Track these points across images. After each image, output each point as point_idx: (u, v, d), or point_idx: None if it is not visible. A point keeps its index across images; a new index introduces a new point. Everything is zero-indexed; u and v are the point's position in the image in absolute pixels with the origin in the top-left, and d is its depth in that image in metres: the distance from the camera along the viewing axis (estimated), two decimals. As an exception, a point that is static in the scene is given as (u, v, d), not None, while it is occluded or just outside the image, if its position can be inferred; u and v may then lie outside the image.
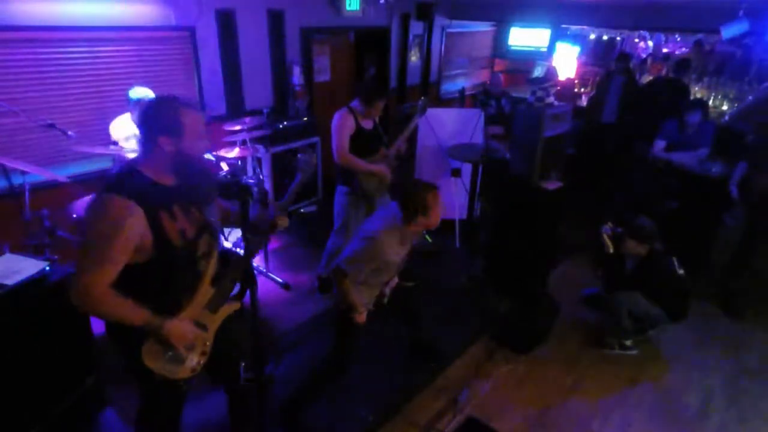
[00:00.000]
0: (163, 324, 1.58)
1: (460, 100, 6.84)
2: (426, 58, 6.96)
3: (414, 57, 6.82)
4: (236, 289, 3.43)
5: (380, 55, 6.40)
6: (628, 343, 3.29)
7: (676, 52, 7.19)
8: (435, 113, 4.12)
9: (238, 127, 4.01)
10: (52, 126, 3.25)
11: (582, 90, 7.49)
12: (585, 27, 7.47)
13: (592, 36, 8.07)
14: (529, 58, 7.97)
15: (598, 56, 7.99)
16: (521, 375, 3.09)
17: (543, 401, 2.89)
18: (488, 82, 6.12)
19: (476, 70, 8.37)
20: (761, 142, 3.77)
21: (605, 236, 3.33)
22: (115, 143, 3.39)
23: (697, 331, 3.54)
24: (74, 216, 3.07)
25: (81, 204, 3.19)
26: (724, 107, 6.01)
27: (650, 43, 7.67)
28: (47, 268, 2.34)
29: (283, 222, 2.01)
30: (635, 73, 6.53)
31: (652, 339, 3.42)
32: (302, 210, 5.18)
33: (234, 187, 1.64)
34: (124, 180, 1.51)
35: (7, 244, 2.55)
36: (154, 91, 3.69)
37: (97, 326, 3.19)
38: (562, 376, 3.10)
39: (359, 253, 2.27)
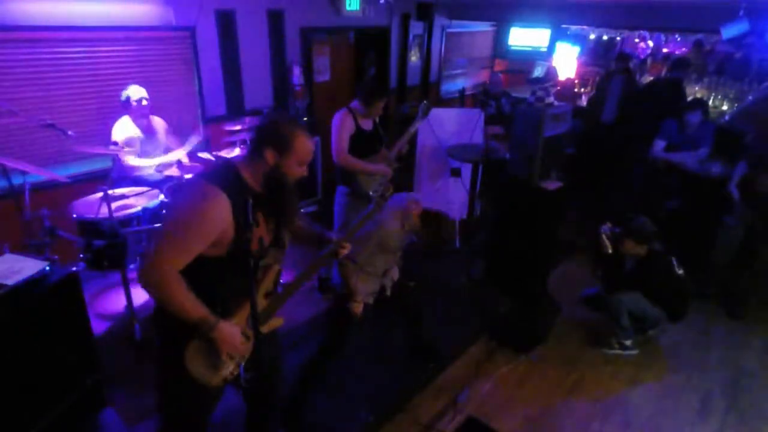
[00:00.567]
0: (217, 325, 1.55)
1: (460, 100, 6.84)
2: (426, 58, 6.96)
3: (414, 57, 6.82)
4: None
5: (380, 55, 6.40)
6: (628, 343, 3.29)
7: (676, 52, 7.18)
8: (435, 113, 4.12)
9: (238, 127, 4.01)
10: (52, 126, 3.25)
11: (582, 90, 7.49)
12: (585, 27, 7.47)
13: (592, 36, 8.07)
14: (529, 58, 7.97)
15: (598, 56, 7.99)
16: (521, 375, 3.09)
17: (543, 401, 2.89)
18: (488, 82, 6.12)
19: (476, 70, 8.37)
20: (761, 142, 3.77)
21: (604, 236, 3.33)
22: (115, 143, 3.40)
23: (697, 331, 3.55)
24: (74, 216, 3.07)
25: (81, 204, 3.19)
26: (724, 107, 6.01)
27: (650, 43, 7.67)
28: (47, 268, 2.34)
29: (343, 248, 1.97)
30: (635, 73, 6.53)
31: (652, 339, 3.42)
32: (302, 210, 5.18)
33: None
34: (221, 173, 1.54)
35: (7, 244, 2.55)
36: (154, 91, 3.71)
37: (98, 326, 3.20)
38: (562, 376, 3.10)
39: (364, 235, 2.32)
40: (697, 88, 6.30)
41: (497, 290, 3.85)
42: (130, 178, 3.54)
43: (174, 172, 3.44)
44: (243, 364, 1.75)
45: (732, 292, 3.85)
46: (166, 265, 1.44)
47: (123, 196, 3.29)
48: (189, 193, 1.51)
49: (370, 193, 3.45)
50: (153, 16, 3.99)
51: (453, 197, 4.70)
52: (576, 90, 7.47)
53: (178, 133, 3.91)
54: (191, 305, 1.50)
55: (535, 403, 2.87)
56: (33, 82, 3.52)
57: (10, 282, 2.19)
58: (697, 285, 3.47)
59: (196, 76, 4.42)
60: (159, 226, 1.47)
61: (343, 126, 3.25)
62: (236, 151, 3.91)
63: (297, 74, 5.17)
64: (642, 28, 6.92)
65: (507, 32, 7.97)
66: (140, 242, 3.07)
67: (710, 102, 5.96)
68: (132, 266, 3.06)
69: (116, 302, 3.57)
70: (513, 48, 8.04)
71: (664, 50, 7.38)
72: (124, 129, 3.48)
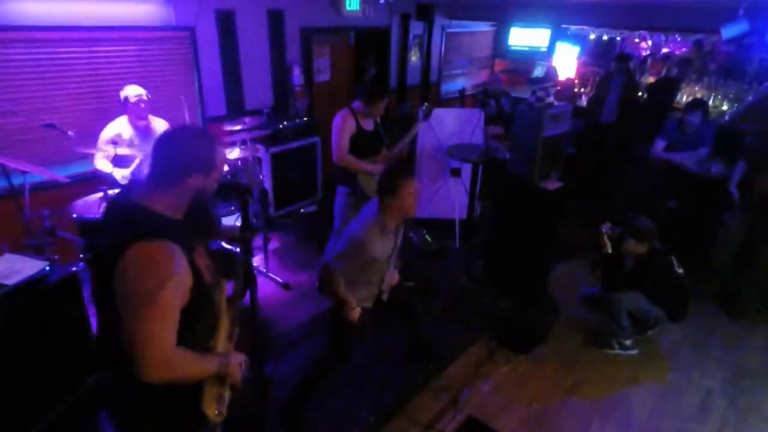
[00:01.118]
0: (230, 359, 1.50)
1: (460, 100, 6.84)
2: (426, 58, 6.96)
3: (414, 57, 6.82)
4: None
5: (380, 55, 6.40)
6: (628, 343, 3.29)
7: (676, 52, 7.18)
8: (435, 113, 4.11)
9: (238, 127, 4.01)
10: (52, 126, 3.25)
11: (582, 90, 7.49)
12: (585, 27, 7.47)
13: (592, 36, 8.06)
14: (529, 58, 7.98)
15: (598, 56, 7.97)
16: (521, 375, 3.09)
17: (543, 401, 2.89)
18: (488, 81, 6.12)
19: (476, 70, 8.37)
20: (761, 142, 3.77)
21: (605, 236, 3.33)
22: (111, 142, 3.36)
23: (697, 331, 3.54)
24: (74, 216, 3.07)
25: (81, 204, 3.19)
26: (724, 107, 6.00)
27: (650, 43, 7.66)
28: (47, 268, 2.35)
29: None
30: (635, 73, 6.53)
31: (652, 339, 3.42)
32: (302, 210, 5.18)
33: (234, 187, 1.64)
34: (144, 223, 1.32)
35: (7, 244, 2.55)
36: (154, 91, 3.70)
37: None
38: (562, 376, 3.10)
39: (344, 251, 2.31)
40: (697, 88, 6.30)
41: (497, 290, 3.85)
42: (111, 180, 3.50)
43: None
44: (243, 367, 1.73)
45: (732, 292, 3.84)
46: (166, 352, 1.28)
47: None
48: (140, 262, 1.25)
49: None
50: (153, 16, 3.99)
51: (453, 197, 4.70)
52: (576, 90, 7.47)
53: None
54: (205, 362, 1.43)
55: (535, 403, 2.87)
56: (33, 82, 3.52)
57: (10, 282, 2.20)
58: (697, 285, 3.47)
59: (196, 76, 4.42)
60: (128, 315, 1.27)
61: (344, 126, 3.25)
62: (236, 152, 3.90)
63: (297, 74, 5.17)
64: (642, 28, 6.91)
65: (507, 32, 7.98)
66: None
67: (710, 102, 5.95)
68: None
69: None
70: (513, 48, 8.05)
71: (664, 50, 7.37)
72: (114, 127, 3.41)
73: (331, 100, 5.78)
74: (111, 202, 1.44)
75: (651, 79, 6.62)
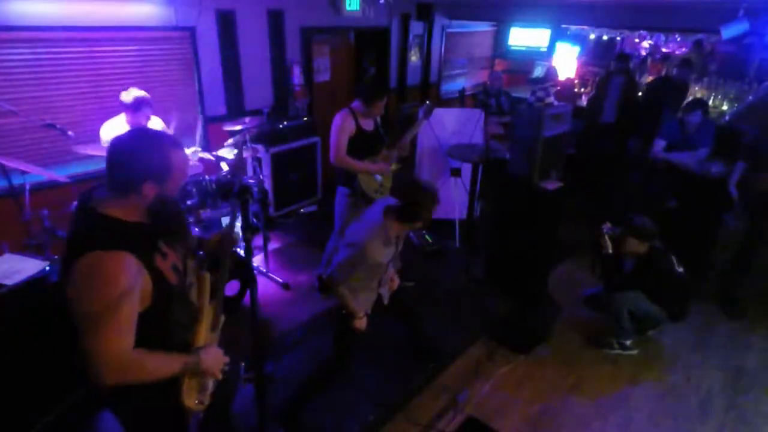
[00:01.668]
0: (199, 357, 1.51)
1: (460, 100, 6.84)
2: (426, 58, 6.97)
3: (414, 57, 6.82)
4: (237, 290, 3.44)
5: (380, 55, 6.40)
6: (628, 343, 3.29)
7: (676, 52, 7.18)
8: (435, 113, 4.11)
9: (238, 127, 4.01)
10: (51, 126, 3.25)
11: (582, 90, 7.49)
12: (585, 27, 7.47)
13: (592, 36, 8.07)
14: (529, 58, 7.98)
15: (598, 56, 7.98)
16: (521, 375, 3.09)
17: (543, 401, 2.89)
18: (488, 81, 6.12)
19: (476, 70, 8.38)
20: (761, 142, 3.77)
21: (605, 236, 3.33)
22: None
23: (697, 331, 3.55)
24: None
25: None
26: (724, 107, 6.01)
27: (650, 43, 7.67)
28: (47, 268, 2.35)
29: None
30: (635, 73, 6.53)
31: (652, 339, 3.42)
32: (302, 210, 5.18)
33: (234, 187, 1.63)
34: (101, 229, 1.32)
35: (7, 244, 2.55)
36: (153, 92, 3.70)
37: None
38: (562, 376, 3.10)
39: (347, 259, 2.30)
40: (697, 88, 6.30)
41: (497, 290, 3.85)
42: None
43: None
44: (243, 363, 1.75)
45: (732, 292, 3.85)
46: (119, 357, 1.30)
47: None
48: (89, 272, 1.26)
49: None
50: (153, 16, 3.99)
51: (453, 197, 4.70)
52: (576, 90, 7.47)
53: (178, 133, 3.91)
54: (169, 362, 1.44)
55: (535, 403, 2.87)
56: (33, 82, 3.52)
57: (10, 282, 2.20)
58: (697, 285, 3.47)
59: (196, 76, 4.42)
60: (80, 324, 1.28)
61: (343, 127, 3.24)
62: (236, 152, 3.90)
63: (297, 74, 5.18)
64: (642, 28, 6.92)
65: (507, 32, 7.98)
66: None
67: (710, 102, 5.96)
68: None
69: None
70: (513, 48, 8.06)
71: (664, 50, 7.38)
72: (112, 129, 3.41)
73: (331, 100, 5.79)
74: (74, 210, 1.42)
75: (650, 79, 6.63)
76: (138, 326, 1.36)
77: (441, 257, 4.43)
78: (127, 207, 1.37)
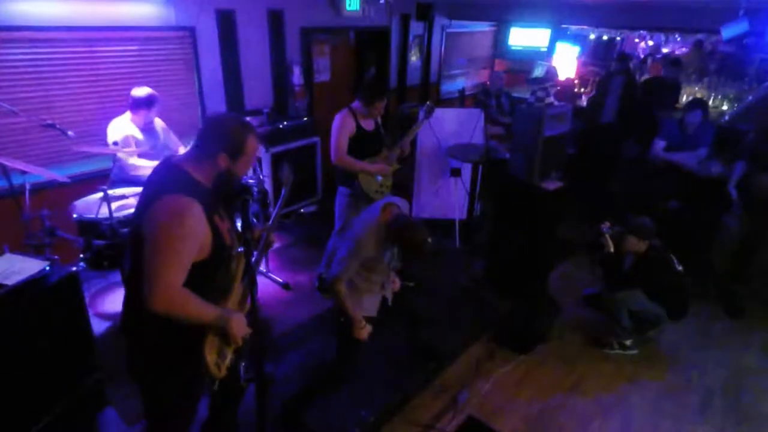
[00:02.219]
0: (231, 317, 1.63)
1: (460, 100, 6.85)
2: (426, 58, 6.96)
3: (414, 57, 6.82)
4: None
5: (380, 55, 6.40)
6: (628, 343, 3.30)
7: (676, 52, 7.19)
8: (435, 113, 4.14)
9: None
10: (52, 126, 3.25)
11: (582, 90, 7.49)
12: (585, 27, 7.47)
13: (592, 36, 8.07)
14: (529, 58, 7.98)
15: (598, 56, 7.99)
16: (521, 375, 3.09)
17: (543, 401, 2.89)
18: (488, 81, 6.12)
19: (476, 70, 8.37)
20: (761, 142, 3.77)
21: (605, 235, 3.33)
22: (116, 143, 3.39)
23: (697, 331, 3.55)
24: (74, 216, 3.07)
25: (81, 204, 3.18)
26: (724, 107, 6.01)
27: (650, 43, 7.67)
28: (47, 268, 2.34)
29: (271, 240, 2.07)
30: (635, 73, 6.53)
31: (652, 339, 3.42)
32: (302, 210, 5.18)
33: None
34: (181, 182, 1.55)
35: (7, 244, 2.55)
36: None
37: (98, 326, 3.19)
38: (562, 376, 3.10)
39: (345, 255, 2.31)
40: (697, 88, 6.30)
41: (497, 290, 3.85)
42: (129, 178, 3.53)
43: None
44: (243, 363, 1.77)
45: (731, 292, 3.85)
46: (172, 286, 1.47)
47: (123, 196, 3.29)
48: (166, 210, 1.49)
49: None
50: (153, 16, 3.99)
51: (453, 197, 4.70)
52: (576, 90, 7.48)
53: (178, 133, 3.91)
54: (205, 310, 1.58)
55: (535, 403, 2.87)
56: (33, 82, 3.51)
57: (10, 282, 2.20)
58: (697, 285, 3.47)
59: (196, 76, 4.42)
60: (147, 251, 1.48)
61: (343, 126, 3.24)
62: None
63: (297, 74, 5.17)
64: (642, 28, 6.92)
65: (507, 32, 7.98)
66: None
67: (710, 102, 5.96)
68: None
69: (116, 302, 3.57)
70: (513, 48, 8.05)
71: (664, 50, 7.38)
72: (121, 128, 3.44)
73: (331, 100, 5.78)
74: (157, 165, 1.65)
75: (643, 80, 6.63)
76: (192, 274, 1.53)
77: (441, 257, 4.42)
78: (202, 171, 1.59)
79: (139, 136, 3.50)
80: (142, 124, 3.51)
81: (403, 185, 4.51)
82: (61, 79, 3.64)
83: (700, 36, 6.64)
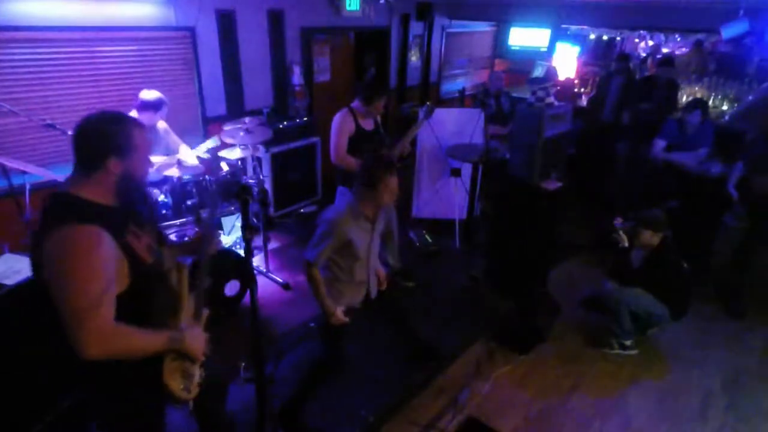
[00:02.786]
0: (184, 335, 1.51)
1: (460, 100, 6.85)
2: (426, 58, 6.96)
3: (414, 57, 6.82)
4: (236, 290, 3.43)
5: (380, 55, 6.40)
6: (628, 343, 3.29)
7: (676, 52, 7.18)
8: (435, 113, 4.14)
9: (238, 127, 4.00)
10: (52, 126, 3.25)
11: (582, 90, 7.49)
12: (585, 27, 7.47)
13: (592, 36, 8.07)
14: (529, 58, 7.98)
15: (598, 56, 7.98)
16: (521, 375, 3.09)
17: (543, 401, 2.89)
18: (488, 81, 6.12)
19: (476, 70, 8.37)
20: (760, 142, 3.77)
21: (620, 231, 3.33)
22: None
23: (697, 331, 3.54)
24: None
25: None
26: (724, 107, 6.00)
27: (650, 43, 7.67)
28: (47, 268, 2.34)
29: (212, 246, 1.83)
30: (635, 73, 6.53)
31: (652, 339, 3.42)
32: (302, 210, 5.18)
33: (234, 186, 1.64)
34: (71, 208, 1.36)
35: (7, 244, 2.55)
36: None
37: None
38: (562, 376, 3.10)
39: (318, 236, 2.33)
40: (697, 88, 6.30)
41: (497, 290, 3.85)
42: None
43: (174, 172, 3.43)
44: (243, 365, 1.75)
45: (732, 292, 3.84)
46: (102, 330, 1.31)
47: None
48: (63, 246, 1.30)
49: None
50: (153, 16, 3.99)
51: (453, 197, 4.71)
52: (576, 90, 7.48)
53: (179, 133, 3.92)
54: (152, 339, 1.44)
55: (535, 403, 2.87)
56: (33, 82, 3.51)
57: (10, 282, 2.20)
58: (697, 285, 3.47)
59: (196, 76, 4.42)
60: (58, 298, 1.32)
61: (342, 126, 3.25)
62: (236, 151, 3.91)
63: (297, 74, 5.17)
64: (642, 28, 6.92)
65: (507, 32, 7.97)
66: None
67: (710, 102, 5.95)
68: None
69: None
70: (513, 48, 8.04)
71: (664, 50, 7.38)
72: None
73: (331, 100, 5.78)
74: (49, 195, 1.44)
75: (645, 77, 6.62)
76: (120, 308, 1.37)
77: (441, 257, 4.42)
78: (95, 186, 1.41)
79: None
80: (146, 125, 3.51)
81: (403, 185, 4.50)
82: (61, 79, 3.64)
83: (700, 36, 6.64)
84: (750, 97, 5.34)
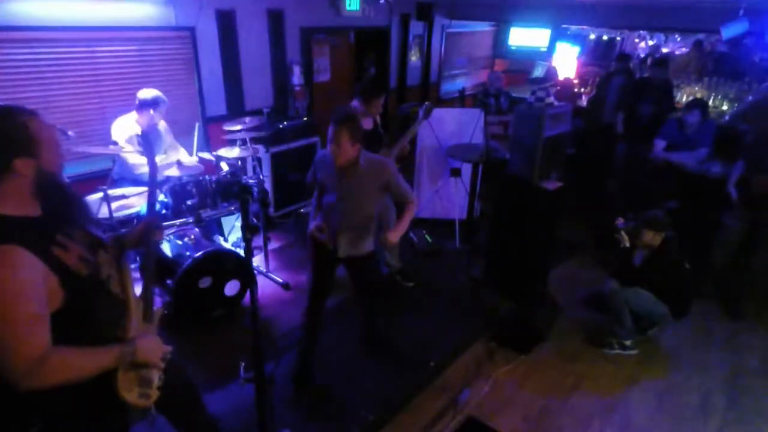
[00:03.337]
0: (135, 346, 1.41)
1: (460, 100, 6.85)
2: (426, 58, 6.97)
3: (414, 57, 6.82)
4: (236, 290, 3.43)
5: (380, 55, 6.41)
6: (628, 343, 3.29)
7: (676, 52, 7.19)
8: (435, 113, 4.14)
9: (238, 127, 4.01)
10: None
11: (582, 90, 7.50)
12: (585, 27, 7.47)
13: (592, 36, 8.07)
14: (529, 58, 7.98)
15: (598, 56, 7.99)
16: (521, 375, 3.09)
17: (543, 401, 2.89)
18: (488, 81, 6.12)
19: (476, 70, 8.38)
20: (760, 142, 3.76)
21: (622, 231, 3.33)
22: (115, 143, 3.39)
23: (697, 331, 3.54)
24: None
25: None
26: (724, 107, 6.00)
27: (650, 43, 7.67)
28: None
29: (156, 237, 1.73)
30: (635, 73, 6.53)
31: (652, 339, 3.42)
32: (302, 210, 5.18)
33: (234, 186, 1.63)
34: None
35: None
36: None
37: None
38: (562, 376, 3.09)
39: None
40: (696, 88, 6.30)
41: (497, 290, 3.85)
42: (132, 176, 3.54)
43: (174, 172, 3.44)
44: (243, 365, 1.75)
45: (731, 292, 3.84)
46: (37, 358, 1.19)
47: (123, 196, 3.29)
48: None
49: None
50: (153, 16, 3.99)
51: (453, 197, 4.70)
52: (576, 90, 7.48)
53: (178, 133, 3.92)
54: (98, 357, 1.33)
55: (535, 403, 2.87)
56: (33, 82, 3.52)
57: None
58: (697, 285, 3.47)
59: (196, 76, 4.42)
60: None
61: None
62: (236, 151, 3.91)
63: (297, 74, 5.18)
64: (642, 28, 6.93)
65: (507, 32, 7.98)
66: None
67: (710, 102, 5.95)
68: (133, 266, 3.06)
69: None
70: (513, 48, 8.06)
71: (664, 50, 7.38)
72: (125, 128, 3.46)
73: (331, 100, 5.79)
74: None
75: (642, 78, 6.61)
76: (62, 326, 1.27)
77: (441, 257, 4.42)
78: (6, 197, 1.24)
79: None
80: (146, 125, 3.52)
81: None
82: (61, 79, 3.64)
83: (700, 36, 6.64)
84: (750, 97, 5.34)
